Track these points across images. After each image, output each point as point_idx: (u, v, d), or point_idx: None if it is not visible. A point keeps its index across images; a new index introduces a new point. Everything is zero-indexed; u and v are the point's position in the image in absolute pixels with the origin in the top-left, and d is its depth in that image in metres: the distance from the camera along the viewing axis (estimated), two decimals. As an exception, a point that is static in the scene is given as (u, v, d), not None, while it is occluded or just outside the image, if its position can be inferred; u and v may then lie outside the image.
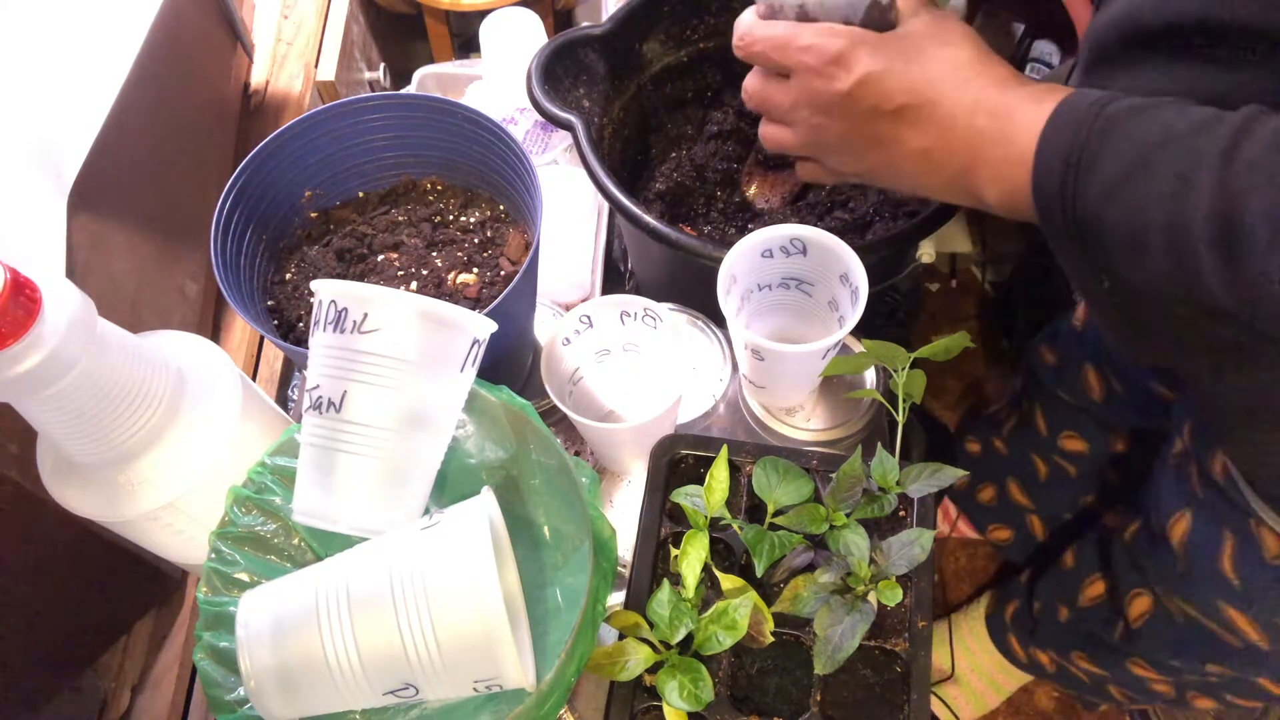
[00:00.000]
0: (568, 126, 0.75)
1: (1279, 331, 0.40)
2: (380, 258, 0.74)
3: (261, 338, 0.93)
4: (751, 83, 0.59)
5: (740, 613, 0.54)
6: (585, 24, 0.82)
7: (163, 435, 0.58)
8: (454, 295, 0.71)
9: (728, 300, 0.66)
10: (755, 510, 0.62)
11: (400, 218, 0.77)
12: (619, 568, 0.62)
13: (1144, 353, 0.57)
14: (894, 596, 0.55)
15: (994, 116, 0.49)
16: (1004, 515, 1.09)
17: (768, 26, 0.55)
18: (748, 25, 0.56)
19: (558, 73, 0.78)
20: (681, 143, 0.94)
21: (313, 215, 0.76)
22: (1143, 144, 0.41)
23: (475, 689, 0.50)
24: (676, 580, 0.58)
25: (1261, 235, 0.36)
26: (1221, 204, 0.38)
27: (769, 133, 0.60)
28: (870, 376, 0.79)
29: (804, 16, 0.54)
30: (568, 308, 0.80)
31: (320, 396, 0.53)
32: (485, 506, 0.52)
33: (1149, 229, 0.41)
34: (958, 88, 0.50)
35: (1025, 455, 1.02)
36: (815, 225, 0.67)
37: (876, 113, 0.52)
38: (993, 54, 0.52)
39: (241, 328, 0.92)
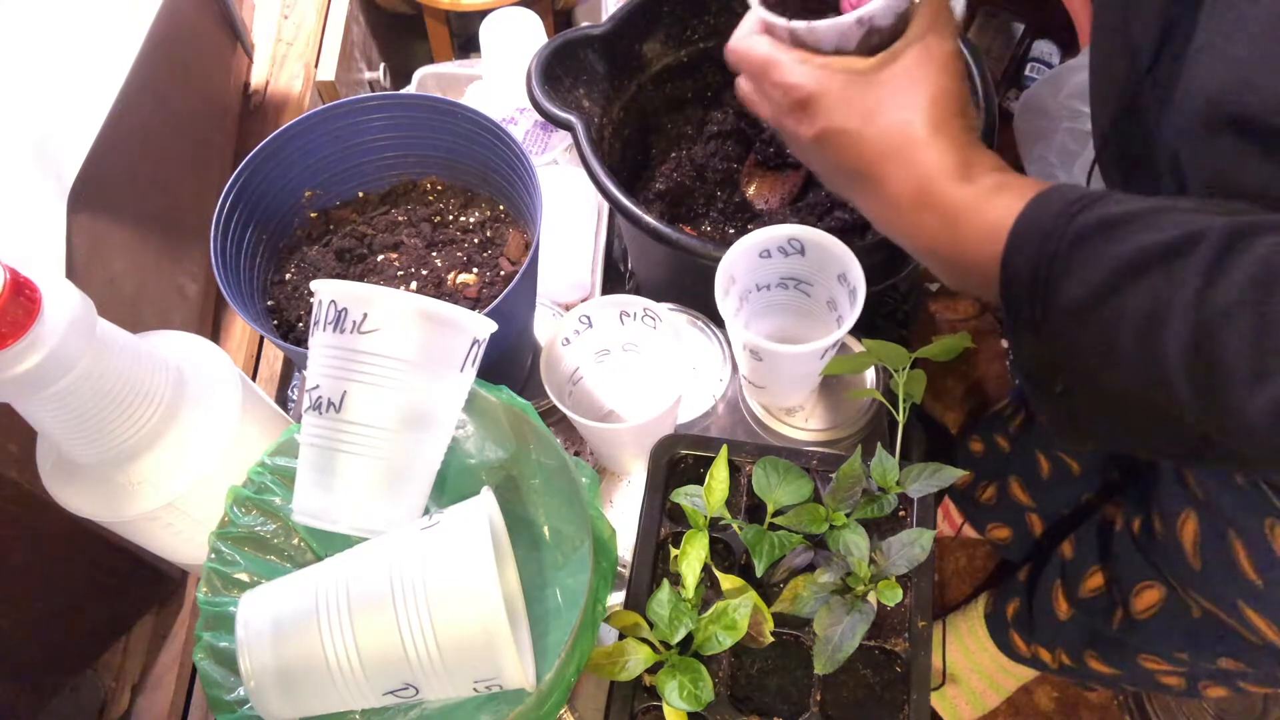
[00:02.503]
0: (568, 126, 0.75)
1: (1255, 451, 0.39)
2: (380, 258, 0.74)
3: (261, 338, 0.93)
4: (743, 86, 0.59)
5: (740, 613, 0.54)
6: (585, 24, 0.82)
7: (163, 435, 0.58)
8: (454, 295, 0.71)
9: (726, 301, 0.66)
10: (755, 510, 0.62)
11: (400, 218, 0.77)
12: (619, 568, 0.62)
13: (1092, 447, 0.56)
14: (894, 596, 0.55)
15: (941, 219, 0.47)
16: (1004, 514, 1.09)
17: (750, 46, 0.54)
18: (739, 37, 0.55)
19: (558, 73, 0.78)
20: (681, 143, 0.94)
21: (313, 215, 0.76)
22: (1114, 266, 0.39)
23: (475, 689, 0.50)
24: (676, 580, 0.58)
25: (1241, 374, 0.36)
26: (1198, 339, 0.37)
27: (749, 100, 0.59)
28: (870, 376, 0.79)
29: (797, 40, 0.53)
30: (568, 308, 0.80)
31: (320, 396, 0.53)
32: (485, 506, 0.52)
33: (1121, 350, 0.40)
34: (901, 170, 0.49)
35: (1029, 452, 1.01)
36: (815, 225, 0.67)
37: (836, 165, 0.52)
38: (953, 116, 0.49)
39: (241, 328, 0.92)
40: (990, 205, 0.45)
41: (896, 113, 0.49)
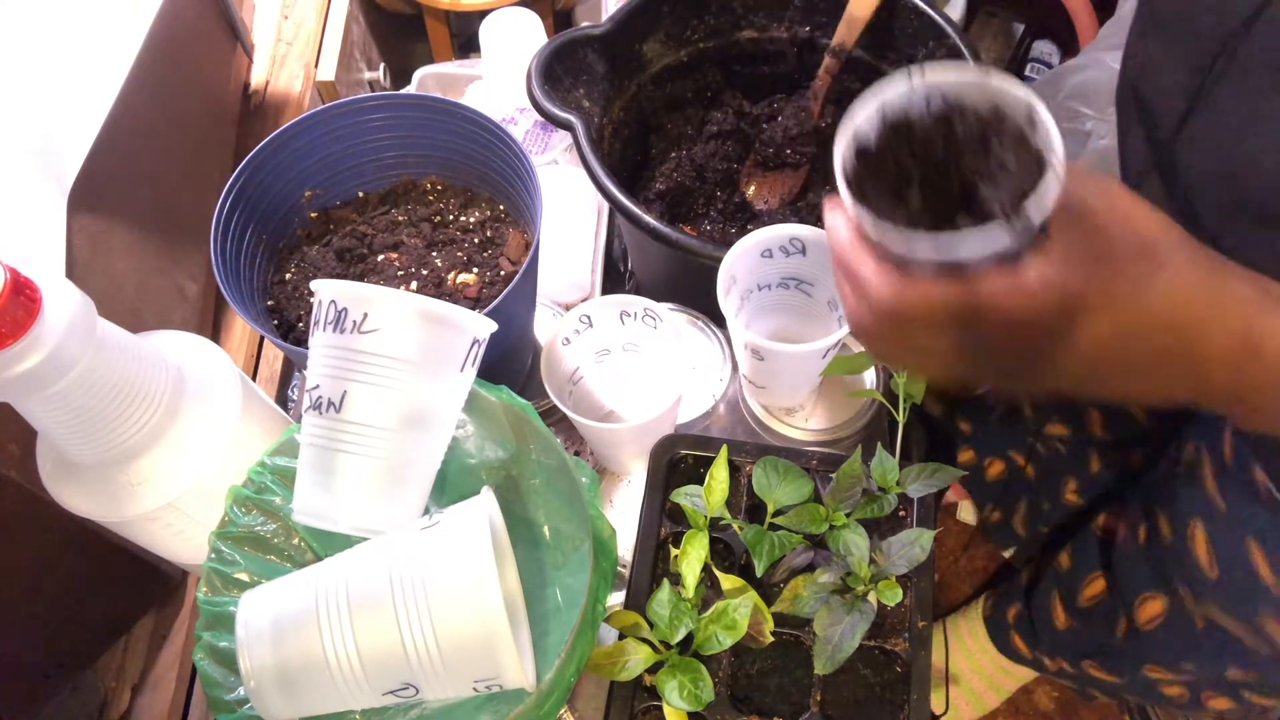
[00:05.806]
0: (568, 126, 0.75)
1: None
2: (380, 258, 0.74)
3: (261, 338, 0.93)
4: (884, 344, 0.43)
5: (740, 613, 0.54)
6: (585, 24, 0.82)
7: (163, 435, 0.58)
8: (454, 295, 0.71)
9: (727, 300, 0.66)
10: (755, 510, 0.62)
11: (400, 218, 0.77)
12: (619, 568, 0.62)
13: None
14: (894, 596, 0.55)
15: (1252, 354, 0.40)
16: (996, 493, 1.09)
17: (929, 290, 0.38)
18: (897, 292, 0.39)
19: (558, 73, 0.78)
20: (681, 143, 0.94)
21: (313, 215, 0.76)
22: None
23: (475, 689, 0.50)
24: (676, 580, 0.58)
25: None
26: None
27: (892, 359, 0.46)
28: (870, 376, 0.79)
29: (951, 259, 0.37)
30: (568, 308, 0.80)
31: (320, 396, 0.53)
32: (485, 506, 0.52)
33: None
34: (1179, 273, 0.39)
35: (1018, 436, 1.02)
36: (815, 225, 0.67)
37: (1106, 366, 0.42)
38: (1198, 247, 0.41)
39: (241, 328, 0.92)
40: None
41: (1144, 220, 0.39)
